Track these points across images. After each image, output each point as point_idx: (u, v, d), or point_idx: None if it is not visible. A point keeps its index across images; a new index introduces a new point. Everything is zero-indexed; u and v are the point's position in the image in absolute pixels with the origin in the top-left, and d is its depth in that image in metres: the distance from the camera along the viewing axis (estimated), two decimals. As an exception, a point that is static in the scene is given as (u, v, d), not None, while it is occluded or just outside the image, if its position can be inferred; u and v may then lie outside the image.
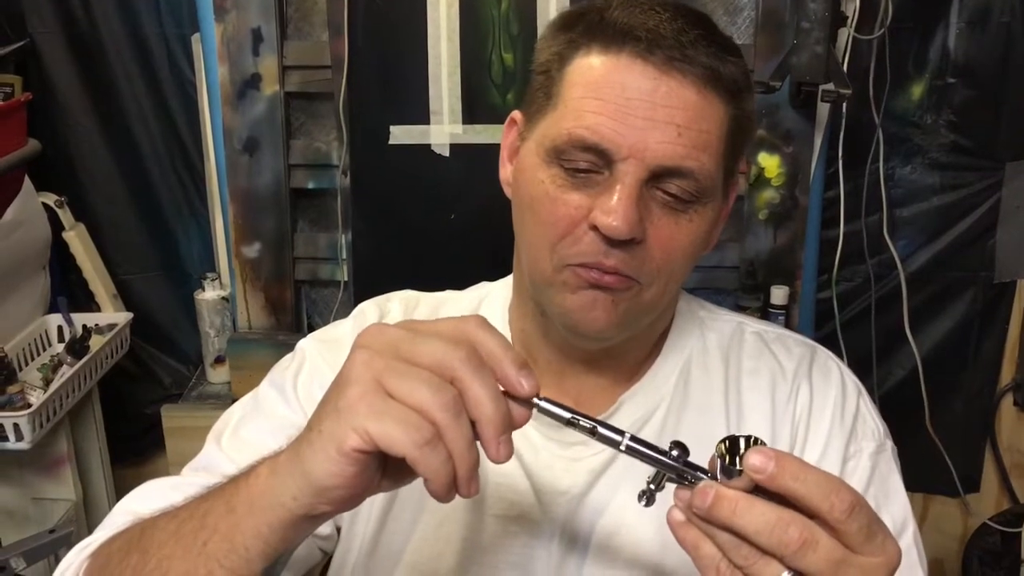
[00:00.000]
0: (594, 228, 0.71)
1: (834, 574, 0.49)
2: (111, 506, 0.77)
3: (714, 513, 0.51)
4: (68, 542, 1.57)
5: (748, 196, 1.62)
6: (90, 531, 0.75)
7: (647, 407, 0.82)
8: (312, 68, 1.63)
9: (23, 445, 1.55)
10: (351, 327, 0.89)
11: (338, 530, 0.83)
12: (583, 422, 0.56)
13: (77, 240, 1.85)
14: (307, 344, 0.88)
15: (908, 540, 0.78)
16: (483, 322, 0.55)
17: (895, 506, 0.79)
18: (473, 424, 0.52)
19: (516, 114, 0.82)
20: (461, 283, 0.95)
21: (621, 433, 0.56)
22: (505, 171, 0.83)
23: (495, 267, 0.93)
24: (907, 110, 1.77)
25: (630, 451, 0.56)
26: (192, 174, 1.90)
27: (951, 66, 1.74)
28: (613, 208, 0.69)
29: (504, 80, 1.57)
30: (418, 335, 0.54)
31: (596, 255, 0.71)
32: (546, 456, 0.81)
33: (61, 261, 1.89)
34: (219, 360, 1.78)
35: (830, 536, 0.50)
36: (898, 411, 1.41)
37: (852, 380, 0.86)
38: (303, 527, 0.56)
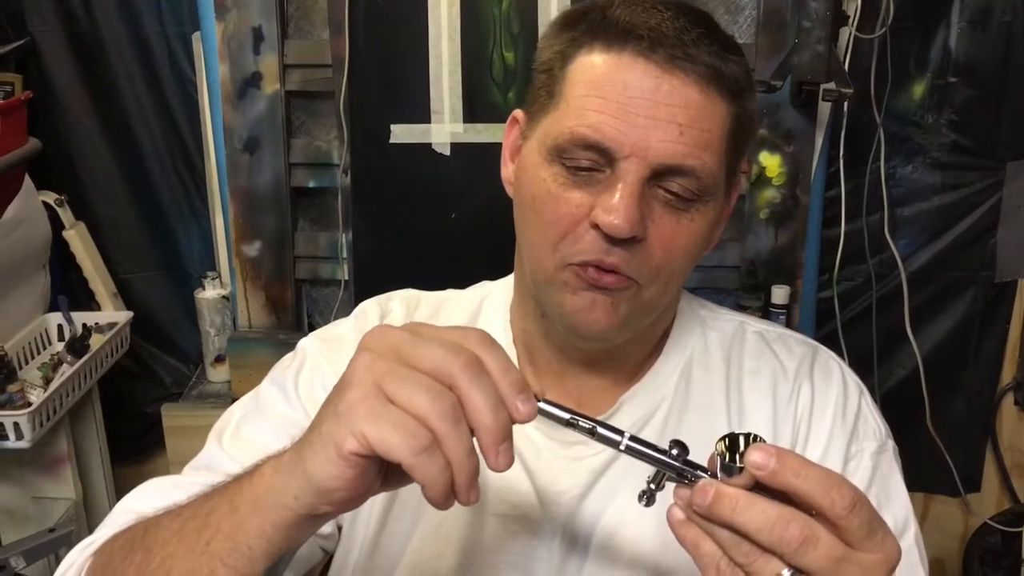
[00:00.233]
0: (595, 227, 0.71)
1: (834, 571, 0.49)
2: (111, 505, 0.77)
3: (714, 511, 0.51)
4: (68, 541, 1.57)
5: (749, 195, 1.62)
6: (90, 530, 0.75)
7: (648, 407, 0.82)
8: (313, 67, 1.63)
9: (23, 444, 1.55)
10: (352, 326, 0.89)
11: (339, 529, 0.83)
12: (582, 423, 0.56)
13: (77, 239, 1.85)
14: (308, 343, 0.88)
15: (909, 540, 0.78)
16: (485, 337, 0.55)
17: (896, 506, 0.79)
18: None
19: (518, 113, 0.82)
20: (462, 282, 0.95)
21: (620, 433, 0.56)
22: (507, 170, 0.83)
23: (496, 266, 0.93)
24: (908, 109, 1.77)
25: (630, 451, 0.56)
26: (192, 173, 1.90)
27: (952, 65, 1.74)
28: (615, 206, 0.69)
29: (505, 79, 1.57)
30: (421, 339, 0.54)
31: (597, 253, 0.71)
32: (547, 456, 0.81)
33: (61, 260, 1.89)
34: (219, 359, 1.78)
35: (830, 533, 0.50)
36: (899, 411, 1.41)
37: (853, 380, 0.86)
38: (306, 527, 0.56)
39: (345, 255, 1.69)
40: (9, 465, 1.73)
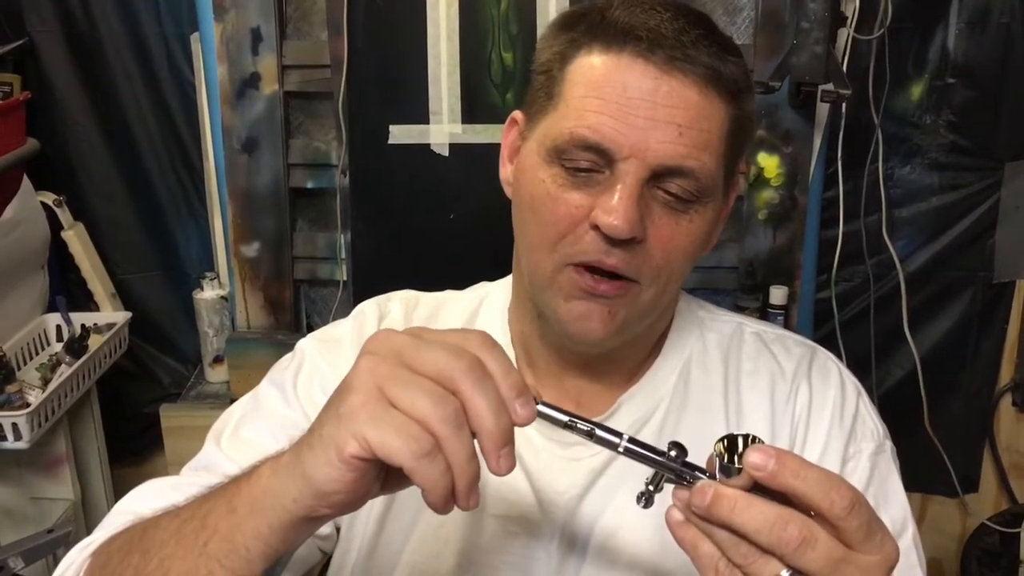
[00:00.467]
0: (595, 227, 0.71)
1: (833, 572, 0.49)
2: (110, 506, 0.77)
3: (713, 511, 0.51)
4: (66, 542, 1.57)
5: (747, 196, 1.62)
6: (88, 531, 0.75)
7: (646, 408, 0.82)
8: (311, 67, 1.63)
9: (21, 444, 1.55)
10: (351, 327, 0.89)
11: (337, 530, 0.83)
12: (581, 425, 0.56)
13: (76, 239, 1.84)
14: (307, 344, 0.88)
15: (907, 541, 0.78)
16: (486, 339, 0.55)
17: (894, 507, 0.80)
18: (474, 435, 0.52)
19: (517, 114, 0.82)
20: (461, 283, 0.95)
21: (619, 435, 0.56)
22: (505, 171, 0.83)
23: (495, 267, 0.93)
24: (906, 110, 1.77)
25: (628, 453, 0.56)
26: (191, 173, 1.90)
27: (950, 66, 1.74)
28: (614, 207, 0.70)
29: (504, 80, 1.57)
30: (423, 343, 0.54)
31: (597, 254, 0.72)
32: (546, 457, 0.81)
33: (60, 260, 1.89)
34: (218, 360, 1.78)
35: (829, 534, 0.50)
36: (897, 411, 1.40)
37: (851, 381, 0.86)
38: (304, 529, 0.56)
39: (344, 256, 1.69)
40: (7, 466, 1.73)
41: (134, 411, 1.99)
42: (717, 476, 0.53)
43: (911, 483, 0.83)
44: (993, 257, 1.84)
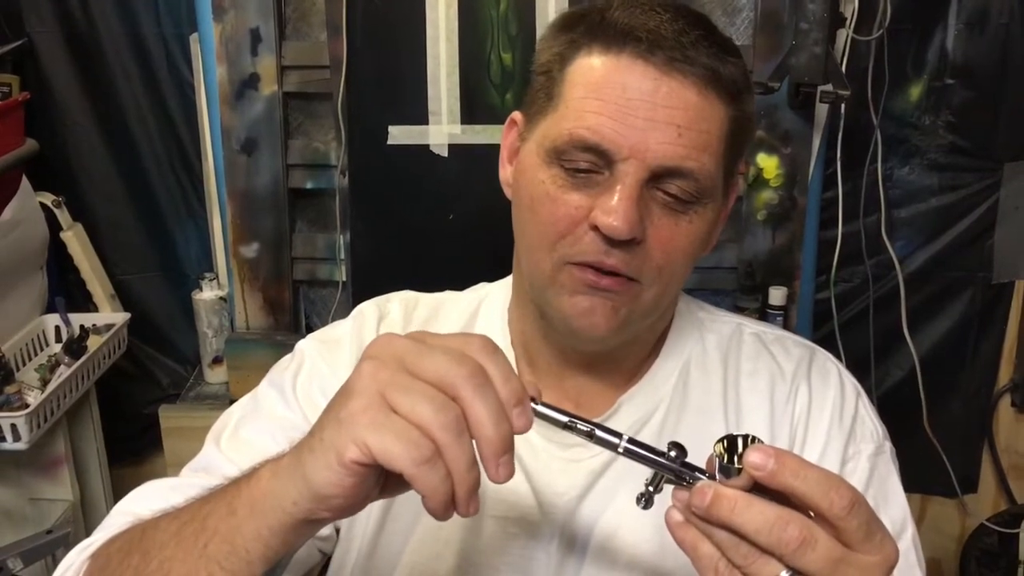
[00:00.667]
0: (595, 228, 0.71)
1: (832, 572, 0.49)
2: (109, 507, 0.77)
3: (713, 512, 0.51)
4: (65, 543, 1.57)
5: (746, 197, 1.62)
6: (88, 532, 0.75)
7: (646, 408, 0.82)
8: (310, 68, 1.63)
9: (20, 445, 1.55)
10: (350, 328, 0.89)
11: (337, 531, 0.83)
12: (581, 426, 0.56)
13: (75, 240, 1.84)
14: (306, 344, 0.88)
15: (907, 542, 0.78)
16: (487, 344, 0.55)
17: (894, 508, 0.80)
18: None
19: (516, 115, 0.82)
20: (460, 284, 0.95)
21: (619, 436, 0.56)
22: (505, 172, 0.83)
23: (494, 268, 0.93)
24: (905, 111, 1.77)
25: (628, 453, 0.56)
26: (190, 174, 1.90)
27: (949, 67, 1.74)
28: (614, 208, 0.70)
29: (503, 80, 1.57)
30: (425, 348, 0.53)
31: (597, 254, 0.72)
32: (545, 458, 0.81)
33: (59, 261, 1.89)
34: (217, 360, 1.78)
35: (829, 535, 0.50)
36: (896, 412, 1.40)
37: (851, 382, 0.86)
38: (303, 531, 0.56)
39: (343, 256, 1.69)
40: (6, 466, 1.72)
41: (133, 412, 1.99)
42: (717, 476, 0.53)
43: (910, 484, 0.83)
44: (992, 258, 1.84)
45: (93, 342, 1.77)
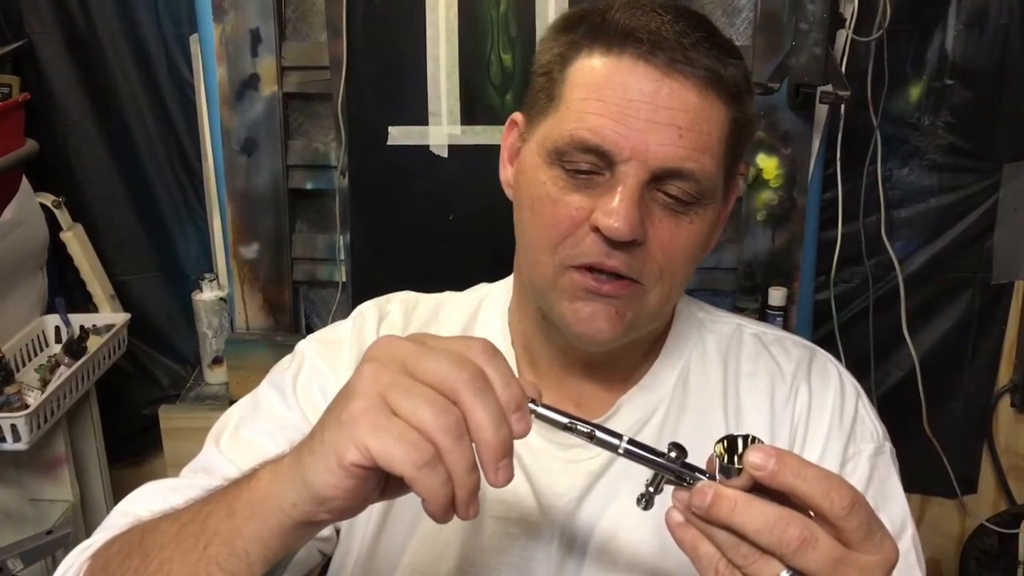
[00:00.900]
0: (595, 229, 0.71)
1: (833, 572, 0.49)
2: (109, 507, 0.77)
3: (713, 512, 0.51)
4: (65, 543, 1.57)
5: (746, 197, 1.62)
6: (87, 532, 0.75)
7: (646, 409, 0.82)
8: (310, 69, 1.63)
9: (20, 446, 1.55)
10: (350, 328, 0.89)
11: (337, 532, 0.83)
12: (581, 427, 0.56)
13: (75, 240, 1.84)
14: (306, 345, 0.88)
15: (907, 542, 0.78)
16: (488, 347, 0.55)
17: (894, 508, 0.80)
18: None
19: (517, 116, 0.82)
20: (460, 284, 0.95)
21: (619, 437, 0.56)
22: (505, 173, 0.83)
23: (494, 268, 0.93)
24: (905, 111, 1.77)
25: (628, 454, 0.56)
26: (190, 175, 1.90)
27: (949, 68, 1.74)
28: (615, 210, 0.70)
29: (503, 81, 1.57)
30: (426, 350, 0.53)
31: (598, 256, 0.72)
32: (545, 458, 0.80)
33: (59, 261, 1.89)
34: (217, 361, 1.78)
35: (829, 535, 0.50)
36: (896, 412, 1.41)
37: (851, 382, 0.86)
38: (303, 533, 0.56)
39: (343, 257, 1.69)
40: (6, 467, 1.73)
41: (133, 412, 1.99)
42: (717, 477, 0.53)
43: (910, 484, 0.83)
44: (992, 258, 1.84)
45: (93, 342, 1.77)
